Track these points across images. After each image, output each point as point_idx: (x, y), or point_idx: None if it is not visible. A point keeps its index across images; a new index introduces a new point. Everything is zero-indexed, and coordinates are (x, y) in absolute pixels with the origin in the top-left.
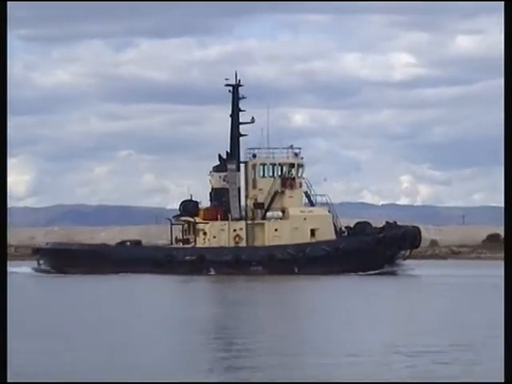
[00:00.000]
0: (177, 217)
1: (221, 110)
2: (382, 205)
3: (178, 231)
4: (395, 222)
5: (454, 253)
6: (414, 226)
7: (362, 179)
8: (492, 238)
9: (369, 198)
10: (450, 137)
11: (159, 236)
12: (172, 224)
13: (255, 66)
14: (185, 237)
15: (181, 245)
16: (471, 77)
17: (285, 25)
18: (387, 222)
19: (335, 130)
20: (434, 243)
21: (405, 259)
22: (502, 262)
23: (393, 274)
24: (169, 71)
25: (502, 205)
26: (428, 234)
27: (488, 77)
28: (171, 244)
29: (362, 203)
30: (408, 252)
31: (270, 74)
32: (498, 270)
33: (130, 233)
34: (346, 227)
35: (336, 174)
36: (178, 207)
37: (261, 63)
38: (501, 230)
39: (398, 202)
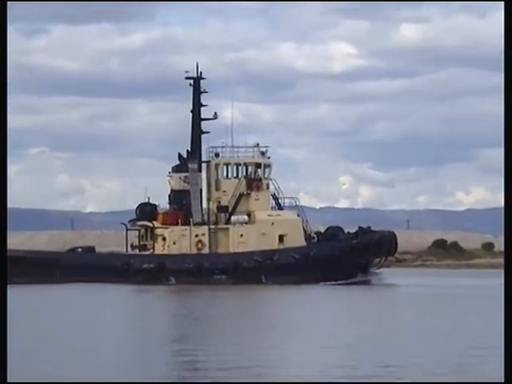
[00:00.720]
0: (133, 221)
1: (144, 103)
2: (320, 208)
3: (133, 237)
4: (369, 227)
5: (398, 260)
6: (389, 232)
7: (298, 180)
8: (438, 243)
9: (306, 201)
10: (392, 134)
11: (75, 242)
12: (127, 229)
13: (182, 56)
14: (142, 243)
15: (137, 252)
16: (416, 69)
17: (212, 11)
18: (360, 227)
19: (269, 127)
20: None
21: (379, 267)
22: (455, 270)
23: (367, 283)
24: (85, 61)
25: (448, 208)
26: None
27: (434, 69)
28: (126, 251)
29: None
30: (383, 260)
31: (198, 63)
32: (470, 278)
33: (43, 238)
34: (316, 232)
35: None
36: (94, 210)
37: (189, 52)
38: (447, 236)
39: (337, 205)
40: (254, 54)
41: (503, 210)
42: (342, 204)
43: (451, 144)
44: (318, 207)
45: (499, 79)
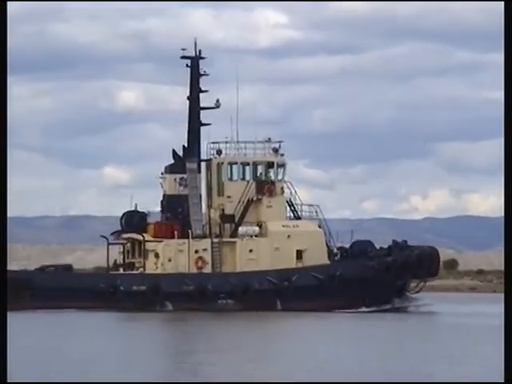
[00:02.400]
0: (117, 233)
1: (21, 83)
2: None
3: (117, 253)
4: (405, 241)
5: None
6: (430, 247)
7: None
8: None
9: None
10: (333, 124)
11: None
12: (109, 243)
13: (67, 24)
14: (128, 260)
15: (121, 271)
16: (361, 43)
17: None
18: (394, 241)
19: (178, 113)
20: None
21: (418, 291)
22: None
23: (403, 310)
24: None
25: (402, 216)
26: None
27: (384, 44)
28: (108, 270)
29: None
30: (424, 282)
31: (89, 35)
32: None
33: None
34: (338, 248)
35: None
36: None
37: (75, 20)
38: None
39: None
40: (159, 23)
41: (468, 219)
42: None
43: (405, 136)
44: None
45: (463, 56)
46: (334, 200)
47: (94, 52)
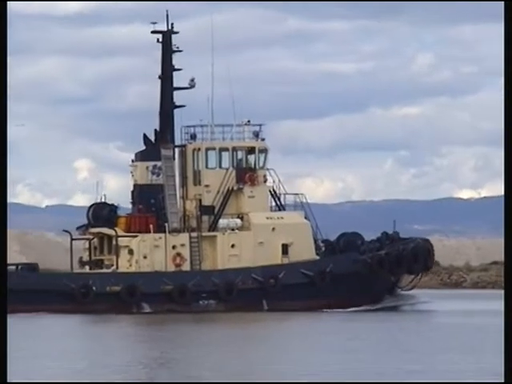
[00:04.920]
0: (83, 227)
1: None
2: (47, 207)
3: (81, 250)
4: (397, 233)
5: None
6: (423, 239)
7: (16, 167)
8: None
9: (27, 197)
10: (148, 100)
11: None
12: (72, 239)
13: None
14: (95, 257)
15: (87, 269)
16: (173, 10)
17: None
18: (385, 233)
19: None
20: None
21: (412, 288)
22: None
23: (397, 309)
24: None
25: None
26: None
27: (197, 11)
28: (71, 269)
29: (18, 204)
30: (419, 277)
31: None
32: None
33: None
34: (323, 241)
35: None
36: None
37: None
38: None
39: (70, 202)
40: None
41: None
42: (78, 201)
43: (228, 116)
44: (43, 206)
45: (293, 24)
46: None
47: None
